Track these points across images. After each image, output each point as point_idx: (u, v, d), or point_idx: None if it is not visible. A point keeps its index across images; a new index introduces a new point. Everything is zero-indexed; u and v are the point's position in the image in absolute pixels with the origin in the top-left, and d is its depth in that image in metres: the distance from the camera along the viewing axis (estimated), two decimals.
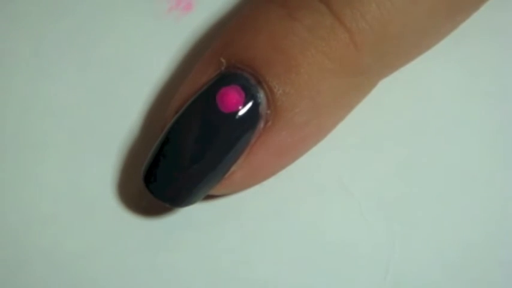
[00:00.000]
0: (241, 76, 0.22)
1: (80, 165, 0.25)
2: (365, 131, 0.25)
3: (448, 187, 0.25)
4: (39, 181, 0.25)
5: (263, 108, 0.22)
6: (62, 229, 0.25)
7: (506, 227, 0.24)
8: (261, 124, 0.22)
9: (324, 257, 0.24)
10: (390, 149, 0.25)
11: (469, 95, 0.26)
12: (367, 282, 0.24)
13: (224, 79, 0.22)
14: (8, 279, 0.24)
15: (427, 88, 0.26)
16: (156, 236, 0.25)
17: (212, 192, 0.23)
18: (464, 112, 0.26)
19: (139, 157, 0.25)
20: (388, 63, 0.24)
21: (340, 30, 0.22)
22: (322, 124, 0.24)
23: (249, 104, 0.22)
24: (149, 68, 0.26)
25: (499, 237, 0.24)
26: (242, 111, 0.22)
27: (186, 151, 0.22)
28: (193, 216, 0.25)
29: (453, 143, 0.25)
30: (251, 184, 0.24)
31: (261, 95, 0.22)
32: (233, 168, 0.23)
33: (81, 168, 0.25)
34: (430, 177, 0.25)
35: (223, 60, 0.23)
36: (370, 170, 0.25)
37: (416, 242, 0.24)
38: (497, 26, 0.27)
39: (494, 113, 0.26)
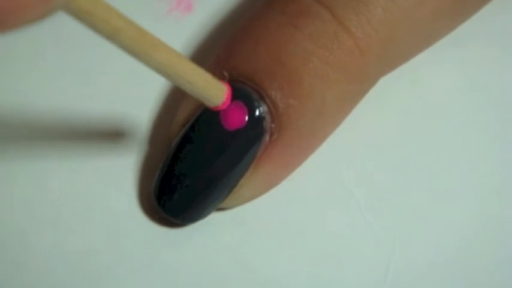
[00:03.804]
0: (243, 91, 0.22)
1: (81, 166, 0.25)
2: (365, 132, 0.25)
3: (447, 187, 0.25)
4: (39, 181, 0.25)
5: (267, 122, 0.22)
6: (63, 229, 0.24)
7: (506, 227, 0.25)
8: (266, 138, 0.22)
9: (324, 257, 0.24)
10: (390, 149, 0.25)
11: (469, 95, 0.26)
12: (367, 282, 0.24)
13: None
14: (8, 279, 0.24)
15: (428, 89, 0.26)
16: (157, 235, 0.24)
17: (221, 205, 0.23)
18: (464, 112, 0.26)
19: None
20: (390, 64, 0.24)
21: (344, 37, 0.22)
22: (327, 131, 0.24)
23: (253, 120, 0.22)
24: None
25: (499, 237, 0.24)
26: (246, 128, 0.22)
27: (192, 169, 0.22)
28: None
29: (453, 143, 0.25)
30: (258, 195, 0.24)
31: (265, 110, 0.22)
32: (241, 182, 0.23)
33: (82, 169, 0.25)
34: (430, 177, 0.25)
35: (226, 74, 0.22)
36: (371, 170, 0.25)
37: (416, 242, 0.24)
38: (497, 27, 0.27)
39: (494, 113, 0.26)
